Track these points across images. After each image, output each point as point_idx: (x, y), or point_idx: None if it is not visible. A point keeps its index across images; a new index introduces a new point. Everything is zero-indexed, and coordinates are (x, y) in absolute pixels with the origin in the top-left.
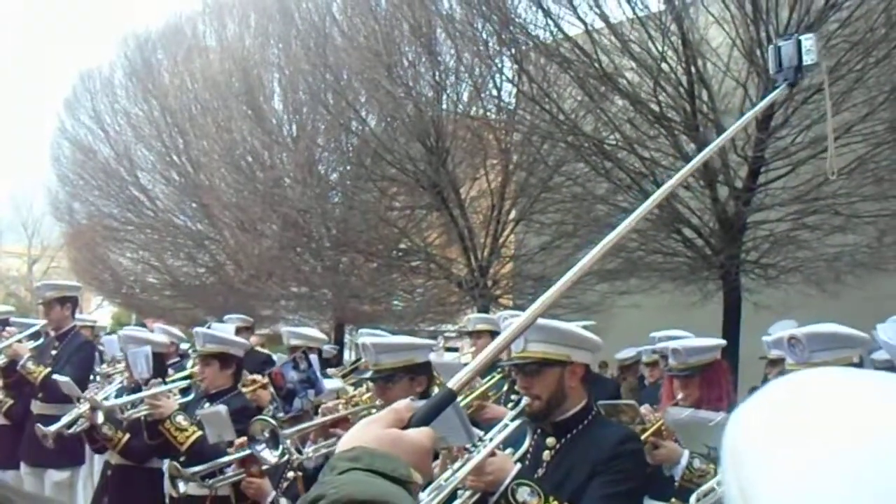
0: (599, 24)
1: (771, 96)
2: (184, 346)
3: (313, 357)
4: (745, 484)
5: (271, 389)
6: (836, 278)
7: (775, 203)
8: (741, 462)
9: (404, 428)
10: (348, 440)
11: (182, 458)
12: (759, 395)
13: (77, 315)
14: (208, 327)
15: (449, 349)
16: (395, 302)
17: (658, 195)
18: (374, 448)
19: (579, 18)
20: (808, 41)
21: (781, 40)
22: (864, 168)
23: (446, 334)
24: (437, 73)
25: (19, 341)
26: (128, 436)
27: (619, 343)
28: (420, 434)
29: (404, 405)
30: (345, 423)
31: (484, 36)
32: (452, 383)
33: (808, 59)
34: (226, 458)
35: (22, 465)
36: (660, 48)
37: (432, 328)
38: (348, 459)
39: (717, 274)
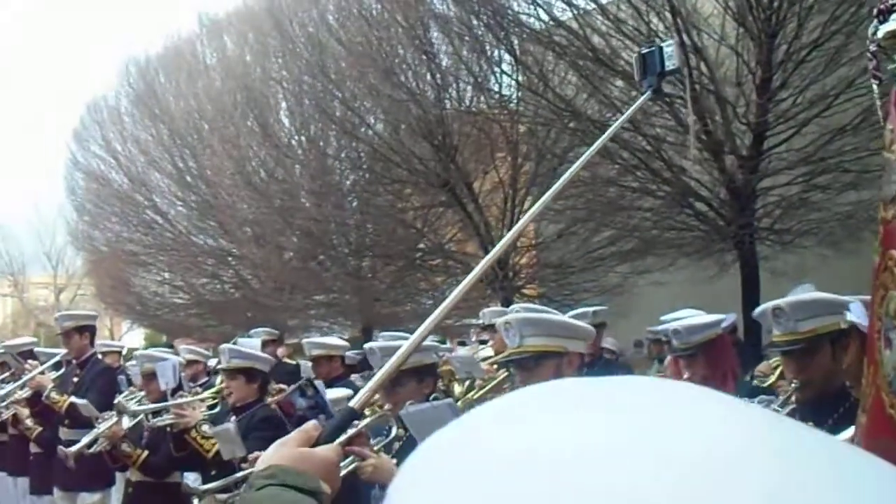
0: (590, 6)
1: (637, 104)
2: (212, 362)
3: (319, 382)
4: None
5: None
6: (852, 236)
7: (783, 167)
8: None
9: (313, 446)
10: (264, 460)
11: (213, 472)
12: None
13: (106, 341)
14: (234, 342)
15: (481, 341)
16: (420, 300)
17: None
18: (286, 465)
19: (568, 3)
20: (668, 48)
21: (645, 48)
22: (870, 121)
23: (476, 329)
24: (436, 74)
25: (42, 373)
26: (146, 452)
27: (646, 321)
28: (327, 451)
29: (311, 426)
30: (360, 438)
31: (479, 32)
32: (354, 402)
33: (669, 65)
34: (241, 474)
35: (55, 489)
36: (650, 23)
37: (458, 323)
38: (264, 477)
39: (731, 244)
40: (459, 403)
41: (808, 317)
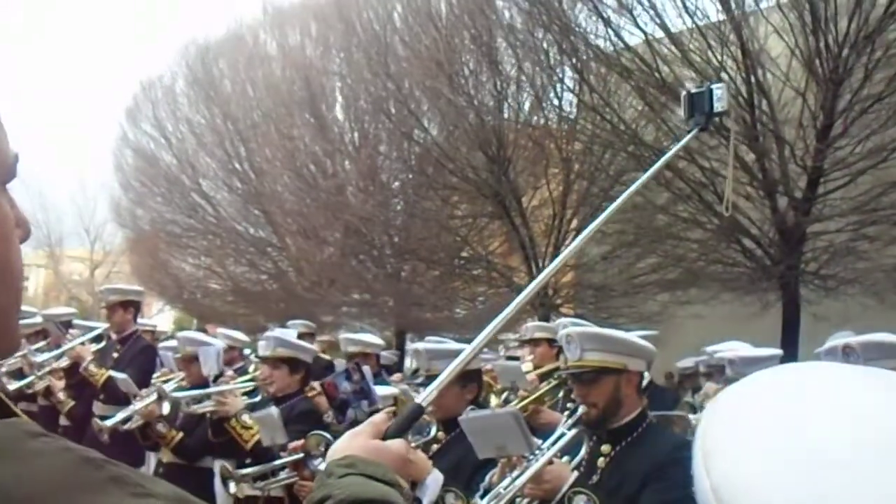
0: (660, 34)
1: (684, 140)
2: (246, 350)
3: (366, 368)
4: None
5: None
6: None
7: (835, 213)
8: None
9: (382, 439)
10: (338, 450)
11: (248, 460)
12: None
13: (138, 320)
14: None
15: (510, 358)
16: (457, 310)
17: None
18: (363, 456)
19: (639, 28)
20: (718, 90)
21: (694, 88)
22: None
23: (508, 343)
24: (498, 83)
25: (82, 344)
26: (181, 434)
27: (680, 353)
28: (398, 444)
29: (381, 419)
30: None
31: (545, 46)
32: (421, 398)
33: (718, 107)
34: (279, 462)
35: None
36: (719, 58)
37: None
38: (344, 466)
39: (776, 284)
40: None
41: (878, 358)
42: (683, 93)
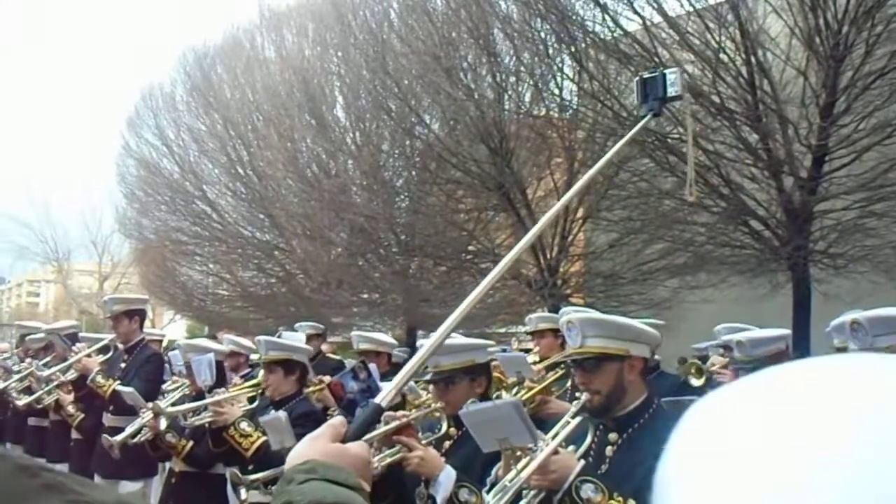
0: (657, 18)
1: (638, 126)
2: (254, 356)
3: (373, 366)
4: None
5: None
6: None
7: (841, 192)
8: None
9: (342, 442)
10: (298, 455)
11: (251, 466)
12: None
13: (147, 329)
14: (279, 336)
15: (522, 350)
16: None
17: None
18: (324, 460)
19: (637, 13)
20: (672, 75)
21: (647, 73)
22: None
23: (519, 336)
24: (497, 75)
25: (88, 356)
26: (191, 443)
27: (691, 338)
28: (359, 447)
29: (339, 421)
30: (408, 429)
31: (542, 35)
32: (380, 399)
33: (671, 91)
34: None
35: (95, 477)
36: (718, 39)
37: (503, 329)
38: (304, 471)
39: (785, 265)
40: None
41: (887, 333)
42: (636, 79)
